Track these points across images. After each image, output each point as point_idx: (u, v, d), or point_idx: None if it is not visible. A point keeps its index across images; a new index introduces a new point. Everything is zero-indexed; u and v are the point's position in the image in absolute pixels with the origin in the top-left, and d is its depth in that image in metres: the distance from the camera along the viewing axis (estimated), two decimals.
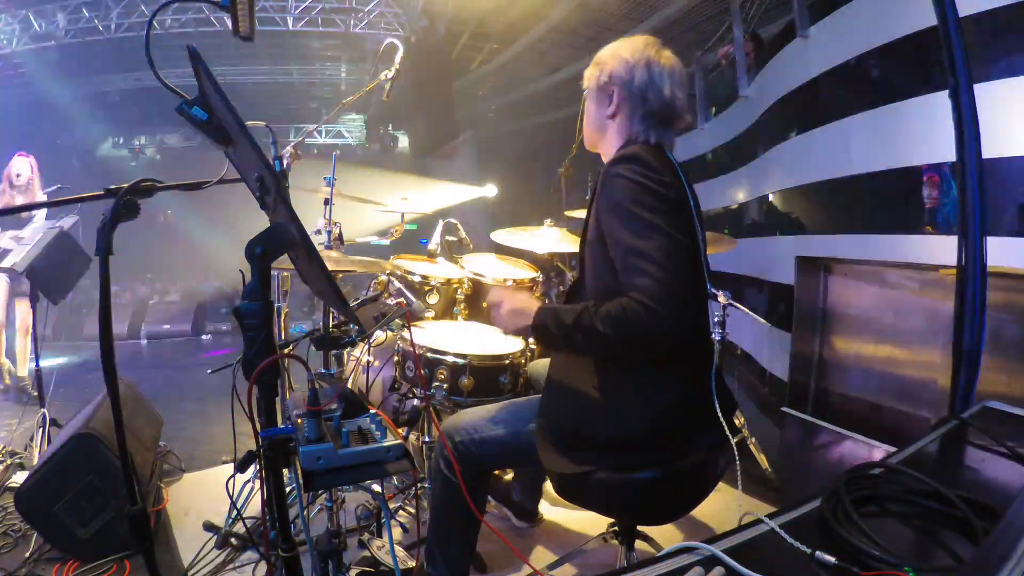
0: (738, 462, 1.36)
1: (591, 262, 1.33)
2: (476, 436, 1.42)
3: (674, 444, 1.25)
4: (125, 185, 1.06)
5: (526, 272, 2.54)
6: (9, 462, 2.59)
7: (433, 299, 2.30)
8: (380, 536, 1.96)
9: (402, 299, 1.70)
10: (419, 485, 2.05)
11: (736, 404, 1.43)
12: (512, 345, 2.10)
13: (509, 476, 2.34)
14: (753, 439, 2.73)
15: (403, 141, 10.42)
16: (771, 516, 0.98)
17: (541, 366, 1.77)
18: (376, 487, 1.92)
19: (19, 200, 3.72)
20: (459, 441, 1.43)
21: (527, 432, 1.39)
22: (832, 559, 0.83)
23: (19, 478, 2.42)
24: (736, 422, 2.57)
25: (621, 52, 1.36)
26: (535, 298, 1.42)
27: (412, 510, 2.15)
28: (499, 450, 1.43)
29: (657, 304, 1.09)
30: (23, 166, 3.84)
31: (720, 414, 1.27)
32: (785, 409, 2.48)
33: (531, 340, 2.16)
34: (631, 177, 1.20)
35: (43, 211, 3.60)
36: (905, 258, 2.83)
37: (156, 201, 1.14)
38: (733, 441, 1.29)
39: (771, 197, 4.66)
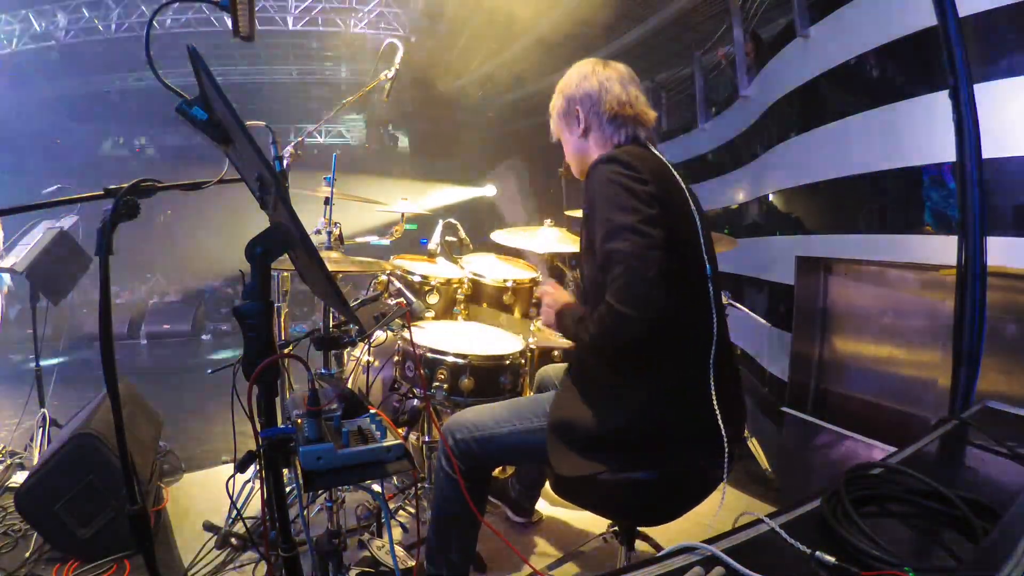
0: (727, 465, 1.34)
1: (588, 270, 1.34)
2: (476, 434, 1.43)
3: (673, 445, 1.24)
4: (125, 185, 1.06)
5: (526, 272, 2.54)
6: (9, 462, 2.59)
7: (433, 299, 2.31)
8: (380, 536, 1.96)
9: (402, 299, 1.69)
10: (419, 485, 2.05)
11: (745, 410, 1.42)
12: (512, 345, 2.10)
13: (508, 473, 2.34)
14: (753, 439, 2.73)
15: (403, 141, 10.42)
16: (771, 516, 0.98)
17: (552, 370, 1.77)
18: (376, 487, 1.92)
19: None
20: (459, 439, 1.43)
21: (528, 430, 1.40)
22: (832, 559, 0.83)
23: (19, 478, 2.42)
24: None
25: (564, 85, 1.46)
26: (570, 295, 1.45)
27: (412, 510, 2.15)
28: (499, 448, 1.43)
29: (625, 306, 1.13)
30: None
31: (719, 418, 1.24)
32: (785, 409, 2.48)
33: (531, 342, 2.17)
34: (608, 178, 1.23)
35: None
36: (905, 258, 2.83)
37: (156, 201, 1.14)
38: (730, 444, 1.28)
39: (771, 197, 4.66)
